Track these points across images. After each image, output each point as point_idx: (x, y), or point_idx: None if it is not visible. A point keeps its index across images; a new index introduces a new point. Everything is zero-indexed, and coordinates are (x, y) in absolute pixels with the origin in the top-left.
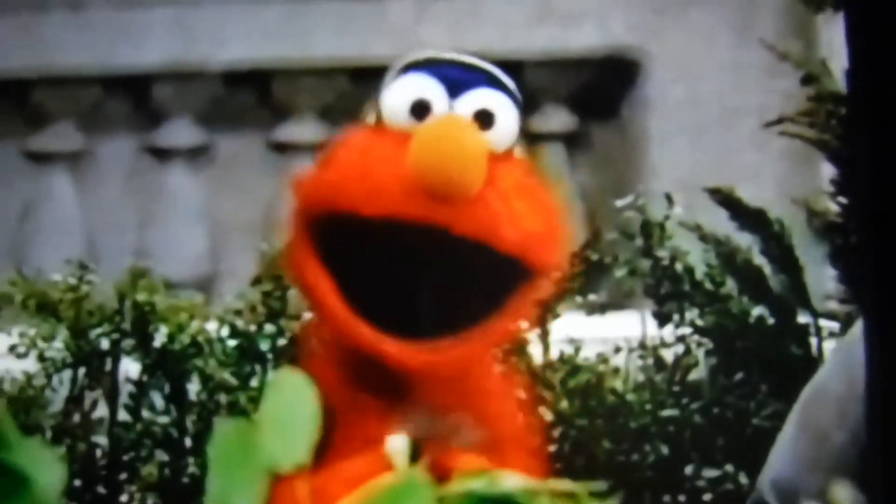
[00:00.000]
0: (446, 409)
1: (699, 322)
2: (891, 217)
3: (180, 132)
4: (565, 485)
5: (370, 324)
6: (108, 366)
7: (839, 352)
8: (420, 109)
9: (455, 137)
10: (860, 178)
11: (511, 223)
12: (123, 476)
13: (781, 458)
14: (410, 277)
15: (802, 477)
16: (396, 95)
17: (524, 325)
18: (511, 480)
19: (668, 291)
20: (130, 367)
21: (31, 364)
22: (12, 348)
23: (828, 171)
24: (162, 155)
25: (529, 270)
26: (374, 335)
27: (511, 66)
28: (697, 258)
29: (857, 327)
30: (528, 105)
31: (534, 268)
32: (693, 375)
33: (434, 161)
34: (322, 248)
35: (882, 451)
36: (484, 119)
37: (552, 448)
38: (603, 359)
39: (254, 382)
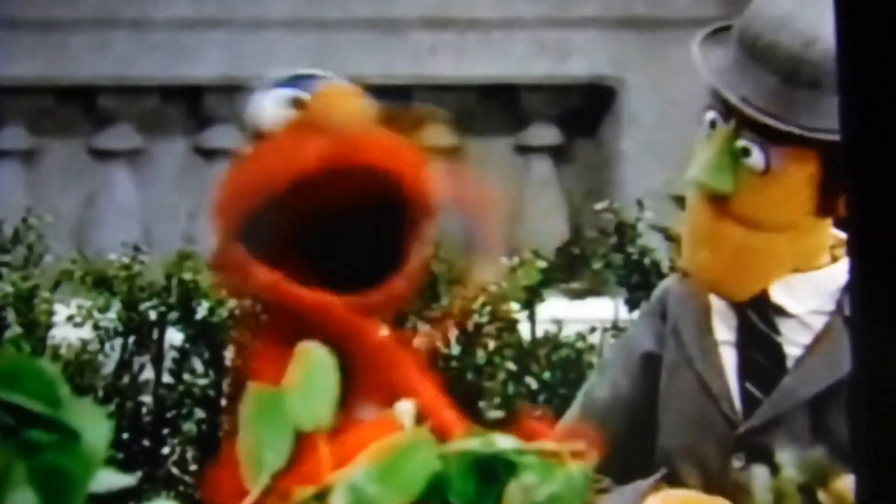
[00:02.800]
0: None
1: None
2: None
3: (225, 136)
4: (550, 445)
5: (302, 285)
6: (155, 335)
7: (649, 301)
8: (297, 104)
9: (343, 87)
10: (847, 175)
11: (396, 152)
12: (166, 431)
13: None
14: (328, 235)
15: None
16: (267, 103)
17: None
18: (503, 441)
19: (637, 282)
20: (175, 336)
21: (86, 332)
22: (70, 318)
23: None
24: (209, 155)
25: (424, 211)
26: (299, 293)
27: (508, 91)
28: (663, 254)
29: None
30: (521, 123)
31: (427, 208)
32: None
33: (335, 99)
34: (249, 241)
35: (867, 451)
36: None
37: (539, 412)
38: (581, 337)
39: None
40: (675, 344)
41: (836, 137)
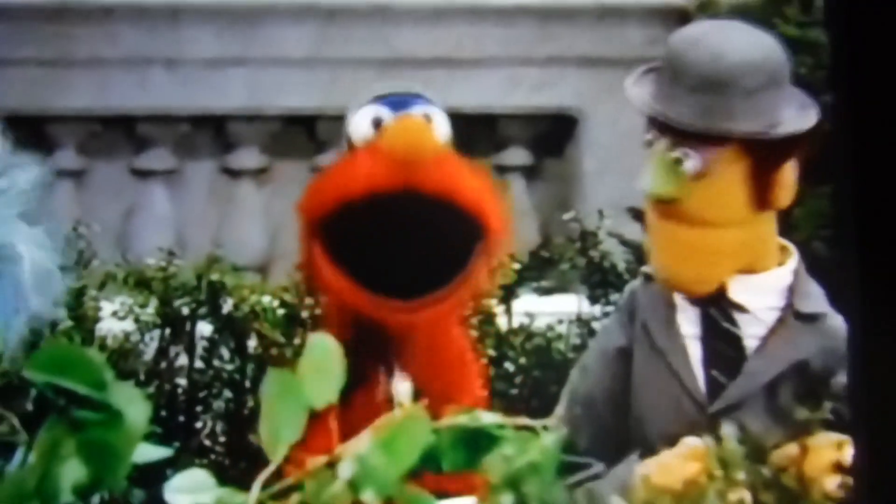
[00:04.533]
0: (423, 370)
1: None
2: (875, 222)
3: (248, 158)
4: (525, 420)
5: (365, 291)
6: (188, 327)
7: (619, 302)
8: (378, 125)
9: (412, 121)
10: (841, 178)
11: (468, 185)
12: (199, 408)
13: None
14: (394, 244)
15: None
16: (358, 119)
17: (484, 294)
18: (486, 416)
19: (597, 280)
20: (204, 328)
21: (128, 325)
22: (114, 313)
23: None
24: (234, 174)
25: (484, 230)
26: (363, 298)
27: (487, 120)
28: (619, 257)
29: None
30: (498, 147)
31: (488, 227)
32: None
33: (402, 133)
34: (326, 243)
35: (869, 446)
36: (426, 120)
37: (514, 392)
38: (551, 328)
39: (297, 341)
40: (645, 340)
41: (755, 134)
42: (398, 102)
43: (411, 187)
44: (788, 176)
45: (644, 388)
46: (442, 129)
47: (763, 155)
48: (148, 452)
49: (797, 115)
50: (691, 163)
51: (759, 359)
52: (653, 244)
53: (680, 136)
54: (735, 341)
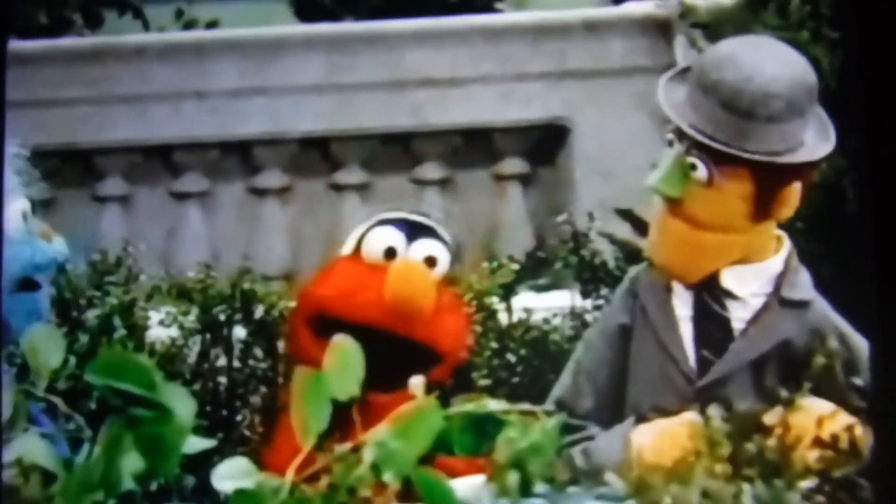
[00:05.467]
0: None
1: (610, 296)
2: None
3: (272, 178)
4: (527, 406)
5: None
6: (225, 332)
7: (622, 284)
8: (390, 254)
9: (415, 272)
10: (860, 173)
11: (444, 335)
12: (238, 404)
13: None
14: (369, 352)
15: (574, 394)
16: (374, 241)
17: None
18: (492, 403)
19: (588, 277)
20: (240, 332)
21: (174, 332)
22: (161, 322)
23: None
24: (260, 193)
25: (443, 357)
26: None
27: (485, 133)
28: (609, 255)
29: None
30: (496, 158)
31: (452, 357)
32: None
33: (402, 293)
34: (315, 329)
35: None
36: (430, 261)
37: (516, 380)
38: (547, 321)
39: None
40: (642, 319)
41: (766, 159)
42: (411, 233)
43: (400, 333)
44: (793, 194)
45: (639, 363)
46: (441, 266)
47: (771, 175)
48: (195, 444)
49: (813, 144)
50: (702, 171)
51: (744, 340)
52: (655, 233)
53: (697, 145)
54: (724, 324)
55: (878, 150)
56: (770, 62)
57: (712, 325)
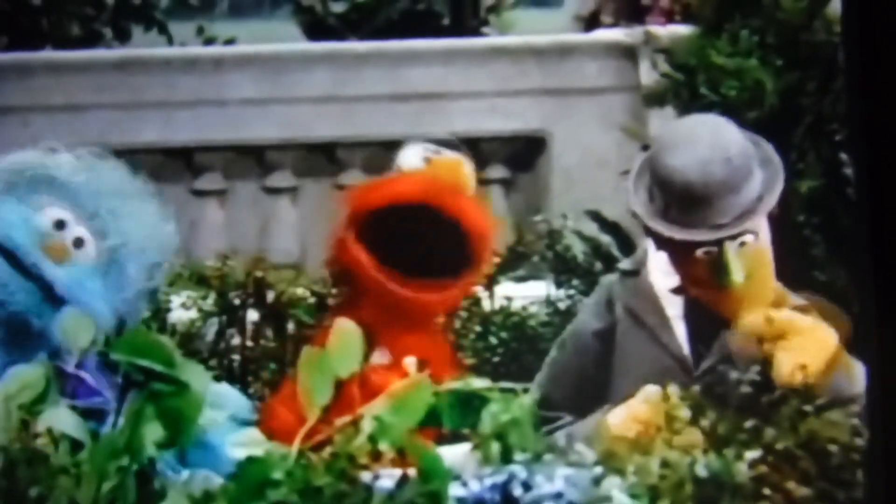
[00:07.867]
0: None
1: (580, 286)
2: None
3: (283, 179)
4: (508, 384)
5: (393, 274)
6: (240, 314)
7: (594, 294)
8: (427, 161)
9: (454, 161)
10: (859, 186)
11: (473, 214)
12: (251, 379)
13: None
14: (415, 242)
15: (553, 392)
16: (412, 153)
17: (475, 288)
18: (477, 382)
19: (562, 269)
20: (253, 315)
21: (193, 314)
22: (182, 304)
23: None
24: (272, 192)
25: (476, 249)
26: (392, 278)
27: (472, 142)
28: (579, 250)
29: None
30: (482, 164)
31: (483, 247)
32: None
33: (442, 168)
34: (361, 233)
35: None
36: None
37: (497, 359)
38: (525, 308)
39: (325, 324)
40: (629, 321)
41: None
42: (443, 147)
43: (436, 205)
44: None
45: (626, 359)
46: (469, 171)
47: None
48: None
49: (768, 182)
50: (750, 238)
51: (729, 335)
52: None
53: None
54: (713, 317)
55: (878, 149)
56: (708, 153)
57: (704, 323)
